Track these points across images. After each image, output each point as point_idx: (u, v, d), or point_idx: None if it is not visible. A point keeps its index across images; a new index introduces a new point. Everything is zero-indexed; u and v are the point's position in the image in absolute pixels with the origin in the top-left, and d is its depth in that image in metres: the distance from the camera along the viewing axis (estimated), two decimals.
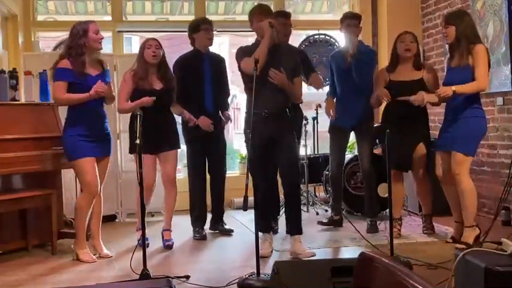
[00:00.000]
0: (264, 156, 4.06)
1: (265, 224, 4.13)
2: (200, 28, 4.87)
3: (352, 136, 5.18)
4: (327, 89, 5.43)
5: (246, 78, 4.06)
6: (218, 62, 5.04)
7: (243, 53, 4.12)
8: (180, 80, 4.76)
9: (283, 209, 4.68)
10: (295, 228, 4.16)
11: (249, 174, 3.45)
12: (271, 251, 4.17)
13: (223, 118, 5.02)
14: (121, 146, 5.74)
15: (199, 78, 4.87)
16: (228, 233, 4.99)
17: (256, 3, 7.09)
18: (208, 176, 5.06)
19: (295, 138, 4.26)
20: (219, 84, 4.98)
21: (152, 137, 4.24)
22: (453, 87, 4.05)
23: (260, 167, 4.06)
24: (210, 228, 5.08)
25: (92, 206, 4.16)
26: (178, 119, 4.82)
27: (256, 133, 3.81)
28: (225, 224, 5.10)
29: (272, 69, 4.01)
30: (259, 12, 4.19)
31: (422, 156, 4.59)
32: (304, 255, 4.04)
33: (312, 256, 4.07)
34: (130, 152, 4.54)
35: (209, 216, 5.09)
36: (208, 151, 4.92)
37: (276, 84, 4.03)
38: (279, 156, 4.12)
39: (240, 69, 4.16)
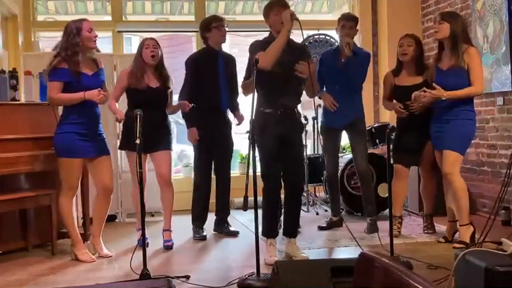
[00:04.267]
0: (274, 156, 3.93)
1: (270, 229, 4.00)
2: (211, 26, 4.80)
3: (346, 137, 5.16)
4: None
5: (259, 73, 3.83)
6: (231, 61, 4.98)
7: (257, 48, 3.92)
8: (193, 78, 4.74)
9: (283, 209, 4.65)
10: (293, 231, 4.15)
11: (249, 175, 3.37)
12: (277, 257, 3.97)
13: (236, 119, 4.98)
14: None
15: (214, 76, 4.80)
16: (234, 234, 4.94)
17: (257, 3, 7.13)
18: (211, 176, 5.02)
19: (303, 140, 4.22)
20: (232, 84, 4.93)
21: (145, 136, 3.86)
22: (445, 94, 4.05)
23: (270, 168, 3.94)
24: (215, 230, 5.04)
25: (73, 204, 4.19)
26: (178, 120, 4.81)
27: (268, 132, 3.77)
28: (230, 226, 5.06)
29: (300, 61, 3.84)
30: (277, 5, 3.97)
31: (431, 152, 4.58)
32: (298, 258, 3.98)
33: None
34: (120, 148, 4.60)
35: (213, 218, 5.06)
36: (215, 152, 4.88)
37: (305, 77, 3.87)
38: (286, 157, 3.97)
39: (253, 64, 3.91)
